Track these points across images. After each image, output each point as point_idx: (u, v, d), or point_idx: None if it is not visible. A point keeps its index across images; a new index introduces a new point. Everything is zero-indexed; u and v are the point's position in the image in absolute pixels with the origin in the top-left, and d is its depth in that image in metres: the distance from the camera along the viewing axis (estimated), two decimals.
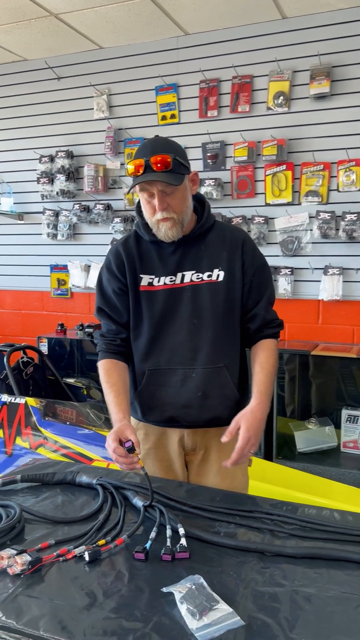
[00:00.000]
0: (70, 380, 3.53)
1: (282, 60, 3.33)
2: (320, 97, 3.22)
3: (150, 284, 1.64)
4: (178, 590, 1.08)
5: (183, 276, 1.63)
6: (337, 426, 3.25)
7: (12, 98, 4.18)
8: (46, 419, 2.87)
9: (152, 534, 1.26)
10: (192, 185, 1.61)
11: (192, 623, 0.99)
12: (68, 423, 2.87)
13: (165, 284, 1.63)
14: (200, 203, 1.69)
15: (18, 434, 2.89)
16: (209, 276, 1.63)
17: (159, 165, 1.49)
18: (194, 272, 1.63)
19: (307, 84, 3.26)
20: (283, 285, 3.38)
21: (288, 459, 3.11)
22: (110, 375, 1.65)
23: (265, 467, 2.82)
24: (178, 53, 3.59)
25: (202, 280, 1.63)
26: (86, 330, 3.68)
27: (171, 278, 1.63)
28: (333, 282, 3.24)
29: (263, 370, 1.62)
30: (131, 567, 1.18)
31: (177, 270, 1.63)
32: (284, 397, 3.38)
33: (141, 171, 1.51)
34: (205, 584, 1.09)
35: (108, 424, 2.93)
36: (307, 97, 3.28)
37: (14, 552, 1.17)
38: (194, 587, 1.08)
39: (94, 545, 1.24)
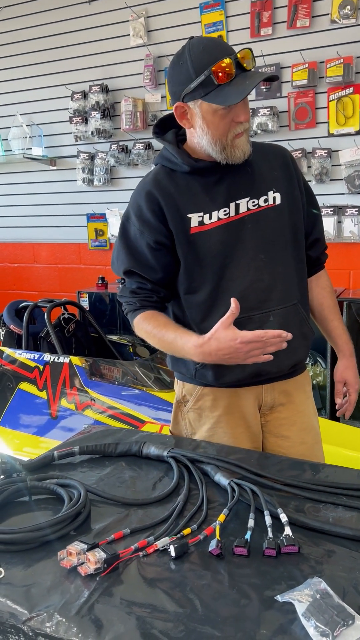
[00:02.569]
0: (114, 338, 3.33)
1: None
2: None
3: (202, 222, 1.37)
4: (298, 600, 0.84)
5: (237, 206, 1.38)
6: None
7: (36, 28, 3.87)
8: (92, 379, 2.68)
9: (251, 522, 1.02)
10: None
11: None
12: (116, 383, 2.67)
13: (219, 219, 1.37)
14: None
15: (63, 395, 2.72)
16: (266, 201, 1.40)
17: (248, 62, 1.26)
18: (248, 198, 1.38)
19: None
20: (349, 227, 3.06)
21: (358, 419, 2.86)
22: (157, 318, 1.41)
23: (333, 429, 2.59)
24: None
25: (260, 206, 1.39)
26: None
27: (225, 211, 1.37)
28: None
29: (337, 317, 1.62)
30: (229, 565, 0.94)
31: (229, 200, 1.37)
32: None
33: (232, 74, 1.23)
34: (330, 590, 0.85)
35: (158, 382, 2.73)
36: None
37: (85, 546, 0.95)
38: (318, 595, 0.84)
39: (179, 535, 1.01)
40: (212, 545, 0.97)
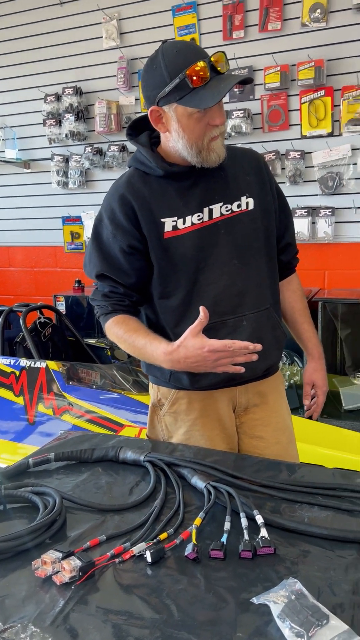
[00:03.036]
0: (92, 341, 3.31)
1: None
2: None
3: (175, 227, 1.36)
4: (274, 601, 0.84)
5: (211, 211, 1.37)
6: None
7: (9, 30, 3.83)
8: (70, 383, 2.66)
9: (227, 525, 1.02)
10: None
11: None
12: (94, 387, 2.65)
13: (193, 223, 1.36)
14: None
15: (40, 400, 2.69)
16: (239, 206, 1.39)
17: (222, 65, 1.25)
18: (221, 203, 1.38)
19: None
20: (323, 228, 3.09)
21: (333, 417, 2.90)
22: (128, 323, 1.39)
23: (309, 427, 2.61)
24: None
25: (233, 212, 1.39)
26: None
27: (198, 216, 1.36)
28: None
29: (307, 320, 1.64)
30: (205, 569, 0.94)
31: (202, 205, 1.36)
32: (326, 351, 3.12)
33: (207, 77, 1.22)
34: (305, 591, 0.86)
35: (137, 385, 2.72)
36: (349, 9, 2.90)
37: (60, 555, 0.94)
38: (293, 596, 0.85)
39: (155, 540, 1.00)
40: (188, 549, 0.97)
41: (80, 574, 0.91)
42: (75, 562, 0.92)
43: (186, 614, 0.84)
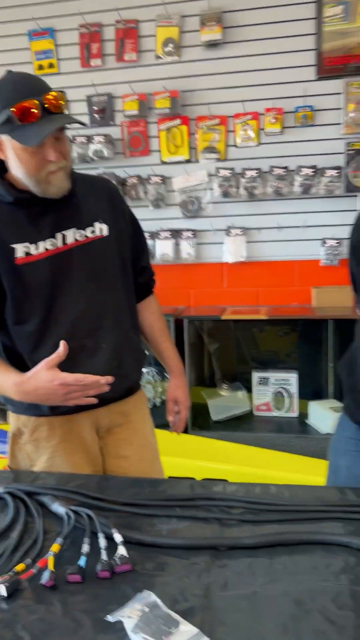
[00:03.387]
0: None
1: (169, 3, 3.09)
2: (212, 44, 3.05)
3: (28, 253, 1.35)
4: (127, 616, 0.87)
5: (64, 237, 1.39)
6: (249, 390, 3.20)
7: None
8: None
9: (85, 547, 1.03)
10: None
11: None
12: None
13: (46, 249, 1.36)
14: None
15: None
16: (93, 232, 1.43)
17: (55, 106, 1.25)
18: (74, 229, 1.40)
19: (198, 30, 3.06)
20: (186, 250, 3.23)
21: (204, 429, 3.02)
22: None
23: (179, 440, 2.70)
24: None
25: (87, 237, 1.42)
26: None
27: (52, 242, 1.37)
28: (237, 243, 3.14)
29: (167, 339, 1.71)
30: (63, 595, 0.94)
31: (54, 231, 1.37)
32: (194, 365, 3.25)
33: (37, 116, 1.22)
34: (158, 601, 0.89)
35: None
36: (199, 45, 3.09)
37: None
38: (146, 609, 0.88)
39: (11, 572, 0.98)
40: (45, 577, 0.96)
41: None
42: None
43: None
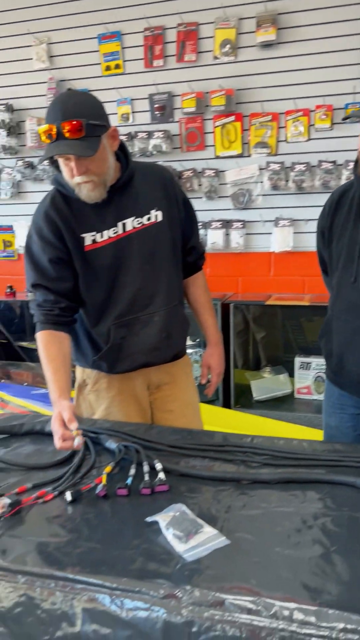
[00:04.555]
0: (24, 344, 3.46)
1: (228, 7, 3.26)
2: (267, 45, 3.19)
3: (94, 241, 1.59)
4: (162, 519, 1.09)
5: (124, 225, 1.61)
6: (291, 374, 3.35)
7: None
8: (2, 381, 2.82)
9: (132, 470, 1.27)
10: (112, 142, 1.53)
11: (179, 547, 1.01)
12: (25, 384, 2.82)
13: (109, 237, 1.60)
14: (121, 148, 1.61)
15: None
16: (149, 219, 1.64)
17: (70, 132, 1.40)
18: (133, 217, 1.61)
19: (254, 31, 3.22)
20: (235, 239, 3.40)
21: (246, 407, 3.20)
22: (49, 349, 1.57)
23: (225, 415, 2.90)
24: None
25: (143, 224, 1.63)
26: (30, 292, 3.58)
27: (114, 230, 1.60)
28: (284, 234, 3.29)
29: (208, 312, 1.88)
30: (113, 503, 1.19)
31: (116, 220, 1.60)
32: (240, 348, 3.44)
33: (53, 138, 1.42)
34: (187, 511, 1.12)
35: None
36: (254, 46, 3.24)
37: None
38: (177, 514, 1.10)
39: (74, 485, 1.24)
40: (99, 489, 1.21)
41: (9, 509, 1.13)
42: (4, 500, 1.14)
43: (94, 532, 1.08)
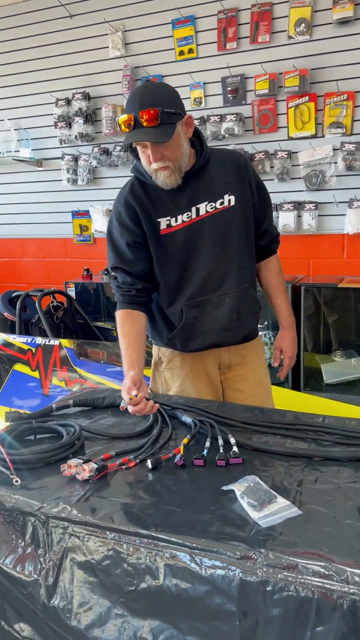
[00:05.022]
0: (100, 324, 3.61)
1: None
2: (343, 22, 3.12)
3: (169, 225, 1.66)
4: (237, 488, 1.16)
5: (198, 209, 1.66)
6: None
7: (23, 40, 4.10)
8: (80, 358, 2.97)
9: (207, 443, 1.34)
10: (186, 129, 1.58)
11: (253, 514, 1.07)
12: (101, 362, 2.96)
13: (183, 221, 1.66)
14: (196, 135, 1.66)
15: (54, 374, 3.00)
16: (222, 203, 1.68)
17: (147, 121, 1.47)
18: (206, 202, 1.66)
19: (330, 8, 3.14)
20: (307, 221, 3.37)
21: (315, 390, 3.20)
22: (124, 326, 1.70)
23: (295, 397, 2.91)
24: None
25: (216, 208, 1.67)
26: (112, 274, 3.72)
27: (187, 214, 1.66)
28: (358, 215, 3.23)
29: (282, 295, 1.90)
30: (190, 472, 1.26)
31: (190, 205, 1.65)
32: (310, 331, 3.42)
33: (132, 127, 1.49)
34: (261, 482, 1.17)
35: None
36: (330, 23, 3.17)
37: (80, 461, 1.25)
38: (251, 484, 1.16)
39: (154, 454, 1.33)
40: (177, 458, 1.29)
41: (97, 473, 1.24)
42: (92, 465, 1.24)
43: (174, 496, 1.16)
